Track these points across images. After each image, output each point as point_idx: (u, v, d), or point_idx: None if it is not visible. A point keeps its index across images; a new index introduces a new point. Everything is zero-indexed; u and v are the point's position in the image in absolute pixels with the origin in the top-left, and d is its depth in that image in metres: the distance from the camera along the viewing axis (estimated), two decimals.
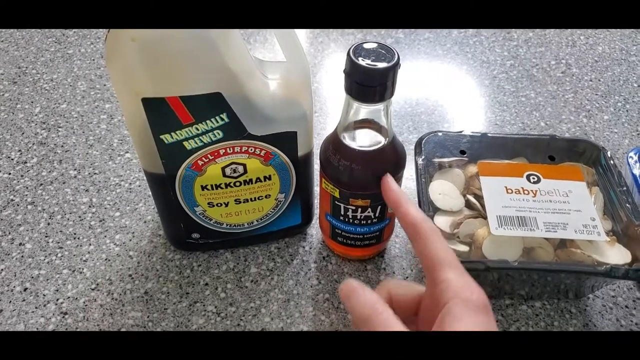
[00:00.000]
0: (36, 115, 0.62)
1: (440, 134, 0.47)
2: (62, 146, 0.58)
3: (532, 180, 0.43)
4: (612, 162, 0.45)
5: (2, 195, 0.53)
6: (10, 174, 0.55)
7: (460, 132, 0.47)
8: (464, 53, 0.71)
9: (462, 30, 0.75)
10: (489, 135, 0.47)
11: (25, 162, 0.56)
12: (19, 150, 0.58)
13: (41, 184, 0.54)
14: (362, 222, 0.42)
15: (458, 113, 0.62)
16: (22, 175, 0.55)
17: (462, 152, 0.47)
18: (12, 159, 0.57)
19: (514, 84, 0.66)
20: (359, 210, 0.41)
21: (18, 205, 0.52)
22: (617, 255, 0.40)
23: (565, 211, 0.41)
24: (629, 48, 0.71)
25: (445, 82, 0.67)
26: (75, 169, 0.56)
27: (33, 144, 0.58)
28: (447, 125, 0.60)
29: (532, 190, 0.43)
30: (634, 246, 0.40)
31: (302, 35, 0.73)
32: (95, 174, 0.55)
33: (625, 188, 0.43)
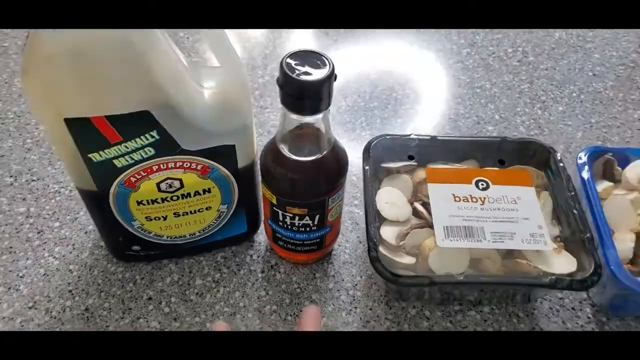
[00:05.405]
0: None
1: (388, 137, 0.46)
2: None
3: (480, 187, 0.43)
4: (561, 164, 0.44)
5: None
6: None
7: (409, 135, 0.46)
8: (420, 41, 0.69)
9: None
10: (439, 138, 0.46)
11: None
12: None
13: None
14: (301, 229, 0.41)
15: (411, 107, 0.61)
16: None
17: (410, 157, 0.45)
18: None
19: (470, 74, 0.65)
20: (297, 218, 0.40)
21: None
22: (563, 264, 0.40)
23: (513, 220, 0.41)
24: (585, 34, 0.70)
25: (399, 74, 0.65)
26: (11, 176, 0.53)
27: None
28: (401, 121, 0.59)
29: (480, 198, 0.42)
30: (580, 254, 0.40)
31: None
32: (33, 180, 0.52)
33: (573, 193, 0.43)
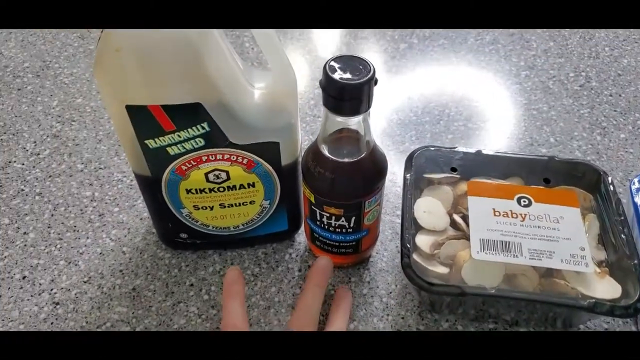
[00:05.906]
0: (53, 108, 0.64)
1: (432, 148, 0.46)
2: (73, 140, 0.60)
3: (522, 204, 0.42)
4: (611, 188, 0.43)
5: (14, 184, 0.55)
6: (23, 164, 0.58)
7: (454, 148, 0.46)
8: (478, 62, 0.69)
9: (479, 37, 0.73)
10: (484, 152, 0.46)
11: (39, 154, 0.59)
12: (34, 142, 0.60)
13: (50, 176, 0.56)
14: (337, 230, 0.42)
15: (464, 125, 0.61)
16: (34, 167, 0.57)
17: (453, 169, 0.45)
18: (26, 150, 0.59)
19: (527, 95, 0.64)
20: (333, 218, 0.41)
21: (27, 195, 0.54)
22: (606, 289, 0.38)
23: (554, 238, 0.40)
24: None
25: (454, 92, 0.65)
26: (82, 163, 0.58)
27: (47, 136, 0.61)
28: (451, 137, 0.59)
29: (521, 214, 0.41)
30: (626, 280, 0.39)
31: (311, 35, 0.73)
32: (100, 168, 0.57)
33: (622, 217, 0.41)
